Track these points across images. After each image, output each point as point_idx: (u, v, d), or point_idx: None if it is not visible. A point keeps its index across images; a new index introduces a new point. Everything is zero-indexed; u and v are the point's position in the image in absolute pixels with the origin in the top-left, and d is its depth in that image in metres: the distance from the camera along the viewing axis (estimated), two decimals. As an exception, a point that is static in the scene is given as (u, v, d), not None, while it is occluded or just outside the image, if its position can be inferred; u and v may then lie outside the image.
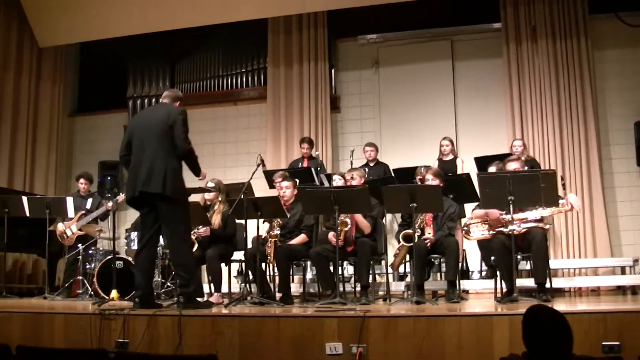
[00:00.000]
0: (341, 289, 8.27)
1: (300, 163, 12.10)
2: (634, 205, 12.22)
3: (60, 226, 10.72)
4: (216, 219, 9.32)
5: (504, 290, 8.00)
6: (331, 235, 8.34)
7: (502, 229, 7.92)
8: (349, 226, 8.40)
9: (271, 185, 10.54)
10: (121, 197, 10.35)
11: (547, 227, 7.98)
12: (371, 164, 11.95)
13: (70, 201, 10.38)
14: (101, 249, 10.75)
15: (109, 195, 11.04)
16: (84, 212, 10.78)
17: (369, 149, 12.04)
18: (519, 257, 8.13)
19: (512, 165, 8.36)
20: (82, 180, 11.41)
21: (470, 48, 13.56)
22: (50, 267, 10.78)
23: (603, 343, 5.54)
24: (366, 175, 10.24)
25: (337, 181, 9.70)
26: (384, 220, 9.66)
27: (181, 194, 7.45)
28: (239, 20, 13.65)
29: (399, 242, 8.48)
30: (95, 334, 6.68)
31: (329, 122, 13.64)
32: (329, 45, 13.92)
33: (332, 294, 8.15)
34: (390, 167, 11.60)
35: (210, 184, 9.47)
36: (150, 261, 7.69)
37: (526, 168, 9.17)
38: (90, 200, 11.06)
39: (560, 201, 7.90)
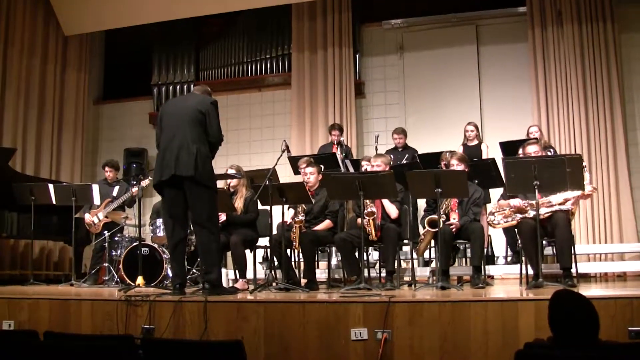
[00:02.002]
0: (366, 274, 8.28)
1: (330, 149, 12.07)
2: (661, 190, 12.12)
3: (87, 217, 10.77)
4: (239, 204, 9.37)
5: (530, 275, 7.98)
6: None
7: (525, 215, 7.88)
8: (375, 215, 8.38)
9: (296, 171, 10.54)
10: (146, 181, 10.38)
11: (569, 207, 7.90)
12: (400, 149, 11.90)
13: (96, 188, 10.43)
14: (127, 235, 10.80)
15: (134, 182, 11.05)
16: (110, 199, 10.83)
17: (397, 136, 11.96)
18: (544, 242, 8.08)
19: (531, 149, 8.31)
20: (107, 168, 11.44)
21: (495, 32, 13.50)
22: (76, 254, 10.83)
23: (630, 328, 5.51)
24: (391, 162, 10.25)
25: (366, 166, 9.70)
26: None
27: (211, 179, 7.49)
28: (263, 7, 13.68)
29: (424, 227, 8.46)
30: (121, 320, 6.72)
31: (353, 107, 13.64)
32: (353, 31, 13.92)
33: (358, 279, 8.16)
34: (418, 152, 11.54)
35: (231, 170, 9.51)
36: (184, 249, 7.83)
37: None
38: (117, 188, 11.09)
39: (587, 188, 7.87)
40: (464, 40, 13.57)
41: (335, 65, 13.76)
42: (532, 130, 11.04)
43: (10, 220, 10.96)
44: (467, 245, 8.95)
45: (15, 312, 7.17)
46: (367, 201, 8.24)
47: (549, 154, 9.64)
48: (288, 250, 8.90)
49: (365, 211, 8.14)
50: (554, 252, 8.80)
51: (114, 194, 10.98)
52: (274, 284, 8.23)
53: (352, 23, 13.91)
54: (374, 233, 8.32)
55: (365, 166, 9.73)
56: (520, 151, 9.16)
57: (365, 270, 8.29)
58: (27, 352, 4.99)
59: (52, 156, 14.06)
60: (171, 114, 7.56)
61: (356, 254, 8.58)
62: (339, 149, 11.89)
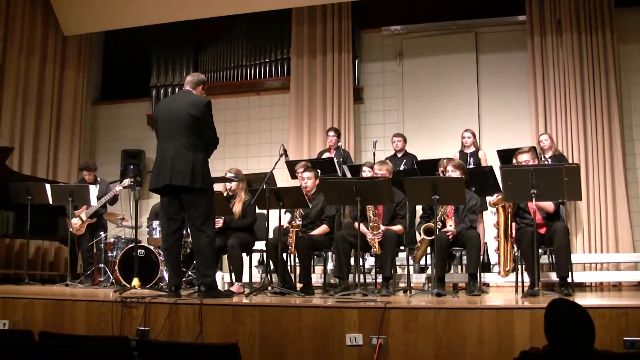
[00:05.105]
0: (362, 280, 8.28)
1: (327, 153, 12.04)
2: (657, 201, 12.13)
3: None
4: (238, 209, 9.37)
5: (525, 283, 8.00)
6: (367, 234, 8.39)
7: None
8: (380, 230, 8.41)
9: (293, 175, 10.55)
10: (126, 181, 10.42)
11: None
12: (399, 155, 11.88)
13: (93, 189, 10.39)
14: (123, 237, 10.78)
15: (116, 181, 11.05)
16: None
17: (396, 140, 11.94)
18: (540, 250, 8.09)
19: (523, 157, 8.33)
20: (85, 172, 11.29)
21: (494, 40, 13.50)
22: (72, 254, 10.80)
23: (625, 338, 5.52)
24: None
25: (367, 172, 9.70)
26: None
27: (207, 182, 7.49)
28: (263, 10, 13.67)
29: (419, 234, 8.46)
30: (116, 322, 6.72)
31: (352, 113, 13.63)
32: (352, 36, 13.90)
33: (342, 284, 8.24)
34: (417, 159, 11.53)
35: (230, 174, 9.51)
36: (179, 251, 7.79)
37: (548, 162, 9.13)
38: (97, 187, 10.97)
39: None
40: (463, 48, 13.57)
41: (334, 71, 13.75)
42: (542, 138, 11.08)
43: (7, 220, 10.95)
44: (463, 253, 8.95)
45: (9, 311, 7.17)
46: (371, 215, 8.30)
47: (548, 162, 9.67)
48: (284, 255, 8.91)
49: (370, 224, 8.20)
50: (550, 260, 8.81)
51: (96, 193, 10.89)
52: (269, 288, 8.23)
53: (351, 29, 13.89)
54: (377, 247, 8.34)
55: (367, 172, 9.72)
56: (514, 160, 9.20)
57: (361, 276, 8.30)
58: (22, 352, 4.97)
59: (49, 156, 14.02)
60: (165, 120, 7.52)
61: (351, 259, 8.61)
62: (335, 153, 11.88)
